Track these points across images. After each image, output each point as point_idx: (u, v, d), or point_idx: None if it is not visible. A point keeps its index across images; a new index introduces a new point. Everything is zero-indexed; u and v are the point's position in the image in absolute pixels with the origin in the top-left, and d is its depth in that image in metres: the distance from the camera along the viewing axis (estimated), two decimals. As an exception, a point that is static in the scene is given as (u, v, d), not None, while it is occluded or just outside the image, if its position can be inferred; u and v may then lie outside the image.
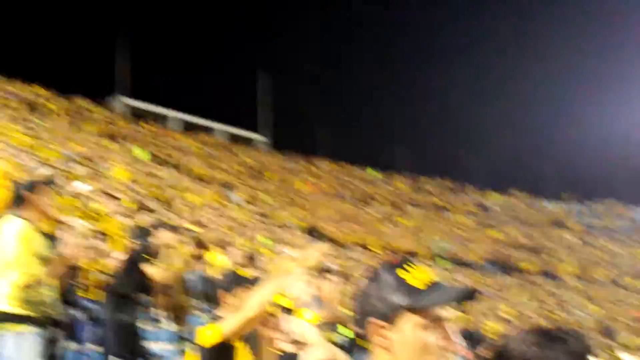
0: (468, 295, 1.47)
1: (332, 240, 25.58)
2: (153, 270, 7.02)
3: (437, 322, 1.46)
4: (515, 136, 70.35)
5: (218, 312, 3.42)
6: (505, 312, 21.51)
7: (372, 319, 1.48)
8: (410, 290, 1.47)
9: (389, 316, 1.46)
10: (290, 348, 4.11)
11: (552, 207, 48.98)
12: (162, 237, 7.47)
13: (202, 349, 3.28)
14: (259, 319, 3.19)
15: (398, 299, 1.46)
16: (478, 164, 52.76)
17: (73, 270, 7.32)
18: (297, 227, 25.06)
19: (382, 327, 1.47)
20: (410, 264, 1.54)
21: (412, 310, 1.45)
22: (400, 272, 1.50)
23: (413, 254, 29.58)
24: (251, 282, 3.55)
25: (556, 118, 71.64)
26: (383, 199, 40.36)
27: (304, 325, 4.21)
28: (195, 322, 11.36)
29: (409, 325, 1.45)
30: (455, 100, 79.82)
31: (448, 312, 1.50)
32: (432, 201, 43.99)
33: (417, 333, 1.44)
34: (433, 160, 64.48)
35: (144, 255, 7.08)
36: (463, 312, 19.06)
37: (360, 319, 1.52)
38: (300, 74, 73.65)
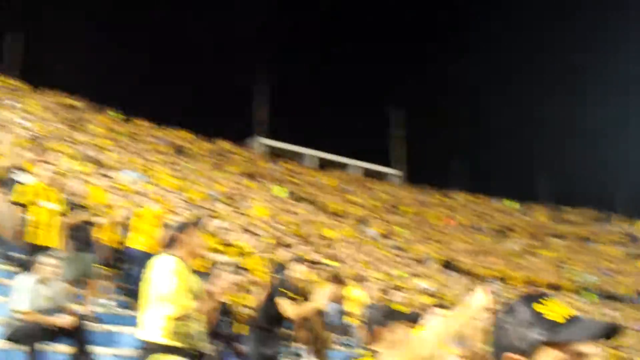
0: (612, 331, 1.39)
1: (468, 274, 25.12)
2: (289, 305, 7.19)
3: (578, 358, 1.41)
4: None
5: (373, 347, 3.43)
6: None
7: (509, 354, 1.45)
8: (548, 324, 1.43)
9: (527, 351, 1.43)
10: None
11: None
12: (300, 271, 7.67)
13: None
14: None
15: (536, 333, 1.43)
16: (624, 192, 50.03)
17: (220, 305, 7.72)
18: (433, 260, 24.83)
19: None
20: (547, 297, 1.51)
21: (551, 344, 1.41)
22: (537, 306, 1.47)
23: (555, 287, 28.42)
24: (408, 318, 3.53)
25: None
26: (522, 231, 39.12)
27: None
28: (336, 356, 11.58)
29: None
30: (598, 129, 76.38)
31: (590, 349, 1.43)
32: (575, 232, 42.08)
33: None
34: (575, 190, 61.68)
35: (282, 289, 7.28)
36: (613, 348, 18.13)
37: (497, 353, 1.49)
38: (432, 108, 73.25)
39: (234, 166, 30.18)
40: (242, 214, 17.43)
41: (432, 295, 14.74)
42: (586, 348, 1.42)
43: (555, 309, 1.46)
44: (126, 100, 36.72)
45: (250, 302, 8.67)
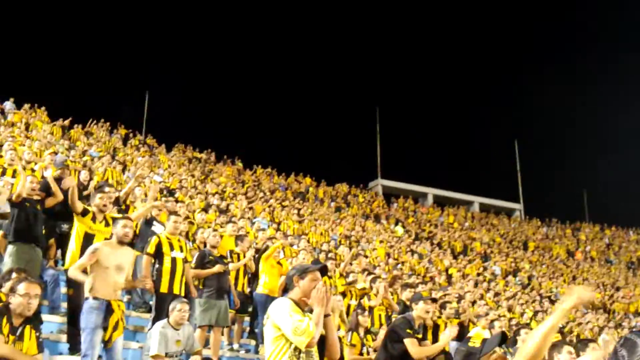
0: None
1: (603, 309, 24.07)
2: (413, 347, 7.27)
3: None
4: None
5: None
6: None
7: None
8: None
9: None
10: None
11: None
12: (422, 310, 7.75)
13: None
14: None
15: None
16: None
17: (336, 346, 7.94)
18: (561, 295, 24.00)
19: None
20: None
21: None
22: None
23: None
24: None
25: None
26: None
27: None
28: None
29: None
30: None
31: None
32: None
33: None
34: None
35: (405, 329, 7.39)
36: None
37: None
38: (551, 138, 71.07)
39: (355, 209, 30.65)
40: (363, 255, 17.72)
41: (561, 332, 14.32)
42: None
43: None
44: (249, 150, 38.22)
45: (374, 344, 8.87)
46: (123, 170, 17.19)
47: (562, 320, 2.86)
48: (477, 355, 3.71)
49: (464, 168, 60.02)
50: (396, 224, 29.46)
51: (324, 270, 5.10)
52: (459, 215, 37.18)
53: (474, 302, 15.92)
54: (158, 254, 8.48)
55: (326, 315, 4.69)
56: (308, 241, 17.20)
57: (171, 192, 16.99)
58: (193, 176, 22.19)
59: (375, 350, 8.27)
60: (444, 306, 11.71)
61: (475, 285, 19.60)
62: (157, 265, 8.47)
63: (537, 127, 71.66)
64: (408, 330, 7.29)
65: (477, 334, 11.12)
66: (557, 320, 2.84)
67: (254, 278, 11.21)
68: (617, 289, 28.66)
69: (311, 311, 4.57)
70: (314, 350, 4.62)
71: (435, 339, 10.49)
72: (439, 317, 11.33)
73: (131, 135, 28.12)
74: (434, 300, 10.50)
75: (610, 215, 45.52)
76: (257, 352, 10.20)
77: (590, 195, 48.31)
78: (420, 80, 65.07)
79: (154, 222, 10.52)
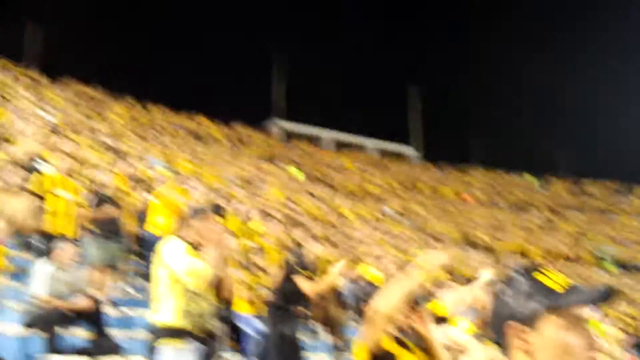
0: (609, 295, 1.43)
1: (488, 250, 25.22)
2: (306, 283, 7.32)
3: (578, 322, 1.46)
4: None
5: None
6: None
7: (512, 323, 1.48)
8: (548, 292, 1.47)
9: (529, 320, 1.47)
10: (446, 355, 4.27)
11: None
12: (316, 250, 7.81)
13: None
14: (389, 322, 3.15)
15: (536, 301, 1.47)
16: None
17: (230, 286, 7.90)
18: (451, 238, 24.95)
19: (522, 330, 1.47)
20: (545, 267, 1.55)
21: (552, 311, 1.45)
22: (537, 276, 1.52)
23: (575, 260, 28.44)
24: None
25: None
26: (541, 205, 39.04)
27: (457, 333, 4.34)
28: (351, 334, 11.78)
29: (549, 328, 1.45)
30: (618, 101, 75.44)
31: (589, 313, 1.57)
32: (596, 205, 41.92)
33: (559, 335, 1.44)
34: (595, 163, 61.23)
35: (298, 268, 7.41)
36: (631, 317, 18.18)
37: (498, 324, 1.53)
38: (448, 84, 72.83)
39: (251, 150, 30.40)
40: (260, 196, 17.65)
41: (449, 271, 14.88)
42: (585, 313, 1.49)
43: (553, 277, 1.52)
44: (143, 87, 36.89)
45: (267, 282, 8.87)
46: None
47: (421, 283, 2.93)
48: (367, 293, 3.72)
49: (362, 112, 60.66)
50: (293, 166, 29.48)
51: (219, 212, 5.00)
52: (356, 158, 37.65)
53: (366, 242, 16.25)
54: (43, 193, 8.10)
55: (220, 256, 4.61)
56: (202, 182, 16.91)
57: (58, 130, 16.20)
58: (83, 113, 21.26)
59: (269, 289, 8.28)
60: (340, 247, 11.87)
61: (369, 227, 20.02)
62: (43, 205, 8.10)
63: (434, 74, 73.15)
64: (299, 269, 7.34)
65: (367, 273, 11.36)
66: (414, 285, 2.93)
67: (144, 217, 10.92)
68: (502, 230, 30.10)
69: (204, 252, 4.49)
70: (208, 291, 4.60)
71: (326, 278, 10.61)
72: (331, 257, 11.46)
73: (12, 66, 26.38)
74: (325, 239, 10.64)
75: (498, 160, 47.47)
76: (147, 293, 10.01)
77: (481, 140, 50.07)
78: (323, 24, 64.71)
79: (40, 161, 10.01)
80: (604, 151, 64.84)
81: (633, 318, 18.52)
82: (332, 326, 10.50)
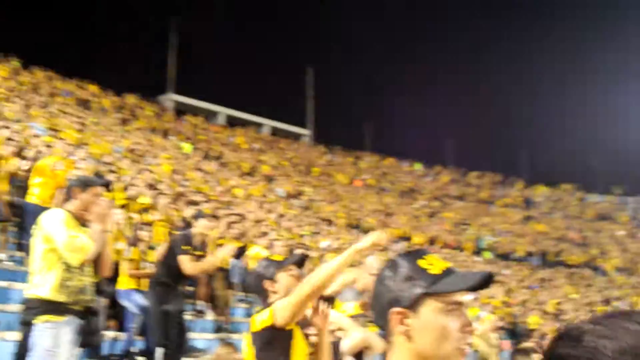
0: (486, 282, 1.47)
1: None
2: (188, 261, 7.17)
3: (456, 307, 1.50)
4: (565, 130, 69.17)
5: (268, 301, 3.43)
6: (550, 306, 21.40)
7: (393, 308, 1.51)
8: (428, 276, 1.50)
9: (409, 303, 1.49)
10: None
11: (602, 201, 48.24)
12: (203, 227, 7.65)
13: (254, 335, 3.32)
14: (310, 302, 3.20)
15: (417, 285, 1.50)
16: (527, 157, 52.38)
17: (112, 260, 7.64)
18: (340, 221, 25.29)
19: (403, 314, 1.50)
20: (427, 253, 1.59)
21: (431, 295, 1.48)
22: (419, 261, 1.54)
23: (456, 247, 29.56)
24: (287, 263, 3.60)
25: (606, 112, 70.06)
26: (428, 193, 40.28)
27: (338, 315, 4.39)
28: (237, 313, 11.72)
29: (428, 311, 1.48)
30: (504, 94, 78.74)
31: (467, 298, 1.55)
32: (479, 195, 43.72)
33: (437, 318, 1.48)
34: (480, 155, 63.82)
35: (183, 245, 7.25)
36: (506, 305, 19.11)
37: (380, 307, 1.55)
38: (345, 68, 73.65)
39: (142, 122, 29.54)
40: (148, 170, 17.17)
41: (335, 253, 15.05)
42: (463, 297, 1.52)
43: (434, 262, 1.54)
44: (31, 51, 35.04)
45: (152, 258, 8.64)
46: None
47: (353, 258, 2.94)
48: (263, 273, 3.65)
49: (257, 91, 60.32)
50: (185, 141, 28.92)
51: (107, 186, 4.85)
52: (249, 137, 37.42)
53: (256, 223, 16.17)
54: None
55: (105, 232, 4.47)
56: (89, 152, 16.25)
57: None
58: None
59: (154, 265, 8.07)
60: (229, 226, 11.74)
61: (259, 206, 19.95)
62: None
63: (331, 57, 73.69)
64: (185, 247, 7.22)
65: (257, 254, 11.30)
66: (348, 258, 2.93)
67: (25, 187, 10.35)
68: (389, 215, 30.82)
69: (87, 225, 4.34)
70: (89, 265, 4.45)
71: (211, 257, 10.50)
72: (219, 236, 11.32)
73: None
74: (216, 218, 10.49)
75: (389, 147, 48.61)
76: (24, 264, 9.52)
77: (373, 126, 51.05)
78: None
79: None
80: (488, 144, 67.67)
81: (508, 305, 19.45)
82: (219, 306, 10.40)
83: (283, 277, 3.50)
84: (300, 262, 3.72)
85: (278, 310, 3.20)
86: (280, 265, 3.57)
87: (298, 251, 9.38)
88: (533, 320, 18.66)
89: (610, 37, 74.63)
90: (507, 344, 15.41)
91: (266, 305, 3.40)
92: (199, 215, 7.96)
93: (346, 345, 3.98)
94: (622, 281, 32.24)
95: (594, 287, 29.47)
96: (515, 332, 17.67)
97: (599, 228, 42.47)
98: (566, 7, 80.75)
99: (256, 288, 3.64)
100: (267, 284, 3.52)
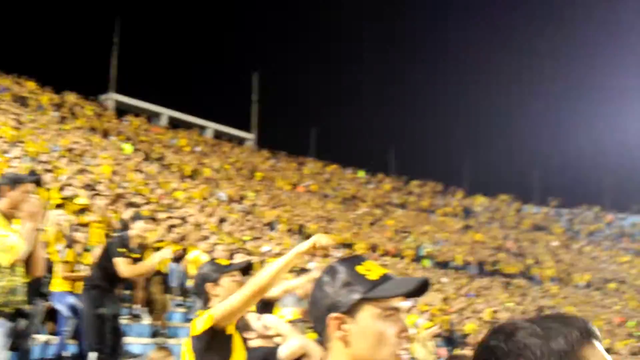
0: (422, 286, 1.50)
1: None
2: (124, 264, 7.01)
3: (393, 313, 1.51)
4: (505, 142, 70.73)
5: (208, 304, 3.42)
6: (486, 314, 21.75)
7: (331, 314, 1.51)
8: (365, 282, 1.51)
9: (347, 309, 1.50)
10: (260, 343, 4.26)
11: (538, 212, 49.46)
12: (140, 229, 7.49)
13: (194, 339, 3.30)
14: (251, 304, 3.21)
15: (354, 291, 1.50)
16: (467, 168, 53.39)
17: (46, 262, 7.41)
18: (282, 226, 25.21)
19: (340, 320, 1.50)
20: (365, 259, 1.60)
21: (369, 301, 1.49)
22: (357, 267, 1.55)
23: (397, 255, 29.82)
24: (232, 269, 3.57)
25: (546, 126, 72.11)
26: (370, 201, 40.55)
27: (277, 321, 4.37)
28: (175, 318, 11.51)
29: (366, 316, 1.49)
30: (445, 104, 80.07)
31: (404, 303, 1.55)
32: (419, 203, 44.24)
33: (374, 323, 1.49)
34: (423, 164, 64.77)
35: (120, 248, 7.09)
36: (444, 313, 19.33)
37: (318, 312, 1.55)
38: (291, 74, 73.68)
39: (82, 121, 28.87)
40: (87, 170, 16.78)
41: (276, 257, 14.96)
42: (400, 304, 1.53)
43: (372, 268, 1.55)
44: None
45: (87, 260, 8.43)
46: None
47: (296, 261, 2.91)
48: (209, 278, 3.61)
49: (201, 93, 59.86)
50: (125, 141, 28.38)
51: (38, 183, 4.72)
52: (192, 139, 36.99)
53: (197, 226, 15.95)
54: None
55: (37, 230, 4.32)
56: (25, 150, 15.78)
57: None
58: None
59: (90, 268, 7.87)
60: (168, 229, 11.55)
61: (200, 209, 19.70)
62: None
63: (276, 62, 73.67)
64: (121, 249, 7.08)
65: (196, 258, 11.15)
66: (290, 260, 2.90)
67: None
68: (330, 221, 30.89)
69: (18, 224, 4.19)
70: (19, 266, 4.29)
71: (148, 260, 10.32)
72: (162, 240, 11.13)
73: None
74: (155, 220, 10.29)
75: (333, 154, 48.82)
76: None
77: (317, 133, 51.20)
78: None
79: None
80: (429, 154, 68.64)
81: (445, 313, 19.67)
82: (156, 310, 10.21)
83: (226, 282, 3.47)
84: (246, 269, 3.70)
85: (218, 310, 3.17)
86: (225, 269, 3.53)
87: (239, 256, 9.29)
88: (469, 327, 18.93)
89: (550, 52, 76.85)
90: (443, 351, 15.58)
91: (206, 308, 3.36)
92: (136, 217, 7.79)
93: (284, 352, 3.95)
94: (555, 291, 33.08)
95: (529, 295, 30.14)
96: (451, 340, 17.89)
97: (534, 238, 43.52)
98: (502, 14, 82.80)
99: (198, 290, 3.61)
100: (209, 287, 3.48)
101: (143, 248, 7.67)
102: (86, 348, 7.48)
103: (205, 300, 3.49)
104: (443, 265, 32.17)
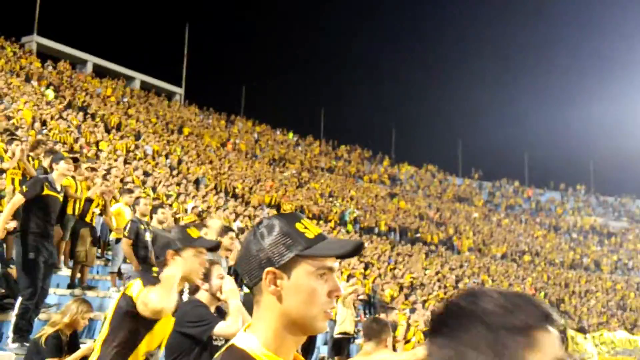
0: (357, 248, 1.53)
1: (242, 200, 25.54)
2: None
3: (327, 272, 1.52)
4: (431, 114, 71.73)
5: (163, 269, 3.32)
6: (406, 280, 22.14)
7: (269, 269, 1.51)
8: (303, 239, 1.52)
9: (281, 264, 1.51)
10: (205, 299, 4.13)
11: (461, 184, 50.60)
12: (63, 169, 7.37)
13: (123, 298, 3.29)
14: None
15: (291, 246, 1.51)
16: (394, 136, 54.05)
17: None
18: (207, 183, 24.85)
19: (275, 275, 1.51)
20: (302, 217, 1.60)
21: (305, 258, 1.50)
22: (294, 223, 1.55)
23: (322, 218, 29.93)
24: (200, 244, 3.42)
25: (472, 101, 73.43)
26: (299, 163, 40.47)
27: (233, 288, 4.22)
28: (94, 270, 11.20)
29: (300, 273, 1.50)
30: (378, 68, 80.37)
31: (335, 263, 1.55)
32: (347, 168, 44.47)
33: (309, 280, 1.50)
34: (353, 129, 65.13)
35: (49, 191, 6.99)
36: (366, 278, 19.56)
37: (252, 268, 1.54)
38: (225, 28, 72.34)
39: (1, 62, 27.49)
40: (7, 115, 16.01)
41: (199, 215, 14.73)
42: (334, 263, 1.55)
43: (309, 227, 1.56)
44: None
45: (3, 207, 8.08)
46: None
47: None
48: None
49: (131, 43, 58.07)
50: (47, 87, 27.22)
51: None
52: (118, 89, 35.86)
53: (122, 180, 15.51)
54: None
55: None
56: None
57: None
58: None
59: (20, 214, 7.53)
60: (89, 178, 11.14)
61: (125, 162, 19.16)
62: None
63: (210, 15, 72.10)
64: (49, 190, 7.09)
65: (118, 210, 10.83)
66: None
67: None
68: (258, 182, 30.66)
69: None
70: None
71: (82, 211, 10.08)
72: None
73: None
74: (76, 160, 9.99)
75: (263, 114, 48.39)
76: None
77: (248, 90, 50.70)
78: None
79: None
80: (360, 119, 69.01)
81: (366, 278, 19.92)
82: (80, 261, 9.95)
83: (189, 255, 3.33)
84: (214, 249, 3.57)
85: (142, 302, 3.13)
86: (192, 242, 3.36)
87: (161, 210, 9.04)
88: (389, 293, 19.24)
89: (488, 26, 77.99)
90: (362, 316, 15.79)
91: (159, 272, 3.29)
92: (57, 159, 7.55)
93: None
94: (473, 260, 34.01)
95: (448, 264, 30.87)
96: (371, 304, 18.15)
97: (456, 209, 44.53)
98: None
99: (158, 252, 3.43)
100: (170, 254, 3.33)
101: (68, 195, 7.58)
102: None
103: (162, 264, 3.35)
104: (367, 230, 32.52)
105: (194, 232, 3.44)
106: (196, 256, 3.33)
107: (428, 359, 1.15)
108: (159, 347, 3.39)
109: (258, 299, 1.54)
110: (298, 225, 1.55)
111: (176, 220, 13.44)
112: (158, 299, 3.08)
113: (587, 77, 59.61)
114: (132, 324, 3.19)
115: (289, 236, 1.52)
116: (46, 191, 7.02)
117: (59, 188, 7.26)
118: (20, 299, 6.91)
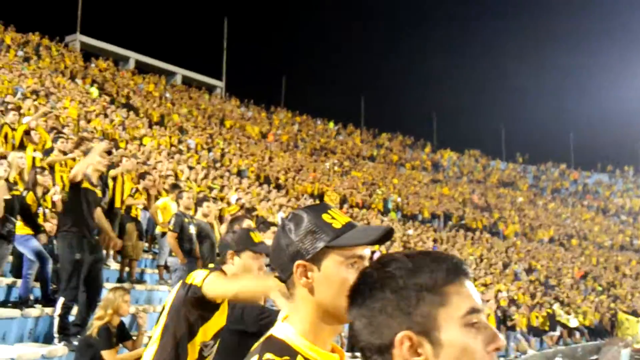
0: (386, 235, 1.51)
1: (285, 190, 25.65)
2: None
3: (357, 260, 1.53)
4: (473, 99, 70.91)
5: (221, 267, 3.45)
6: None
7: (296, 261, 1.52)
8: (331, 230, 1.53)
9: (312, 256, 1.52)
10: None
11: (505, 168, 49.95)
12: (100, 163, 7.48)
13: (185, 287, 3.32)
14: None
15: (319, 239, 1.52)
16: (436, 123, 53.63)
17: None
18: (250, 175, 25.03)
19: (306, 267, 1.52)
20: (329, 207, 1.61)
21: (334, 249, 1.51)
22: (321, 215, 1.56)
23: (365, 207, 29.91)
24: (259, 249, 3.51)
25: (514, 84, 72.23)
26: (340, 152, 40.46)
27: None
28: (141, 264, 11.40)
29: (330, 264, 1.51)
30: (417, 55, 79.68)
31: (367, 251, 1.55)
32: (389, 156, 44.30)
33: (339, 271, 1.51)
34: (394, 116, 64.81)
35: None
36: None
37: (283, 262, 1.56)
38: (263, 20, 72.54)
39: (48, 62, 28.10)
40: (52, 113, 16.34)
41: (243, 207, 14.85)
42: (364, 252, 1.55)
43: (337, 217, 1.56)
44: None
45: (49, 204, 8.25)
46: None
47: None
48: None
49: (171, 38, 58.72)
50: (92, 85, 27.72)
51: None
52: (160, 85, 36.31)
53: (164, 174, 15.71)
54: None
55: None
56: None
57: None
58: None
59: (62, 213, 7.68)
60: (143, 176, 11.37)
61: (168, 157, 19.41)
62: None
63: (250, 8, 72.35)
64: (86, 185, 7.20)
65: (164, 204, 10.99)
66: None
67: None
68: (300, 172, 30.78)
69: None
70: None
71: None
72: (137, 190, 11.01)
73: None
74: (110, 153, 10.24)
75: (303, 104, 48.46)
76: None
77: (288, 82, 50.81)
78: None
79: None
80: (404, 107, 68.56)
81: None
82: (127, 256, 10.14)
83: (247, 257, 3.46)
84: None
85: (208, 286, 3.18)
86: (252, 245, 3.47)
87: (206, 203, 9.13)
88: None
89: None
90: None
91: (216, 269, 3.36)
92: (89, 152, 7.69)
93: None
94: (519, 245, 33.59)
95: (494, 249, 30.57)
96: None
97: (500, 194, 44.00)
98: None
99: (219, 250, 3.61)
100: (229, 254, 3.47)
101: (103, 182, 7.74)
102: (52, 292, 7.42)
103: (221, 262, 3.51)
104: (410, 217, 32.38)
105: (256, 237, 3.54)
106: (254, 259, 3.44)
107: (349, 331, 1.19)
108: (214, 338, 3.46)
109: (292, 292, 1.55)
110: (325, 216, 1.55)
111: (221, 214, 13.57)
112: (223, 282, 3.18)
113: (634, 55, 57.97)
114: (191, 313, 3.27)
115: (315, 228, 1.53)
116: (85, 184, 7.12)
117: (95, 182, 7.36)
118: (62, 299, 6.96)
